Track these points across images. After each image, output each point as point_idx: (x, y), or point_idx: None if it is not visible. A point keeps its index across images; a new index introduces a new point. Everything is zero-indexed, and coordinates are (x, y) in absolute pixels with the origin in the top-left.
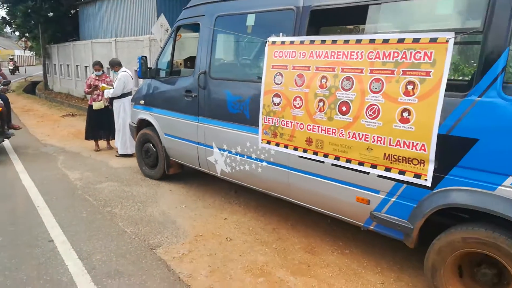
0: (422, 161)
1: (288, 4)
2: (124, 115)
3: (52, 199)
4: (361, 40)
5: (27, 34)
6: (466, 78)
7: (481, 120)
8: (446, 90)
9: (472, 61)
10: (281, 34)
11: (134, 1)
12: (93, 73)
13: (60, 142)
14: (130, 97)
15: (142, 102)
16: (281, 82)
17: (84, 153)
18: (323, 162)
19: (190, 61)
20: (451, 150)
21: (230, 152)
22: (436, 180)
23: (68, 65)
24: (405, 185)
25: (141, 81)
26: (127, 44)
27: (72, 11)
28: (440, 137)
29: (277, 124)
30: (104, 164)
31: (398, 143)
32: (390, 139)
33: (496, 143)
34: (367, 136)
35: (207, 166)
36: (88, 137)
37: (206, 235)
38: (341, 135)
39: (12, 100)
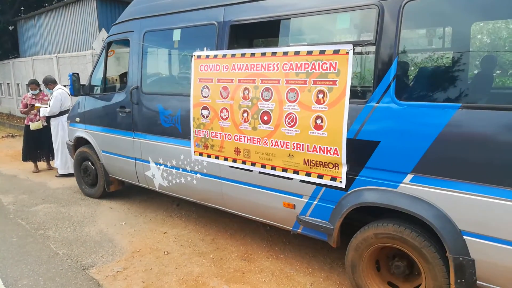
0: (336, 165)
1: (210, 19)
2: (63, 134)
3: None
4: (276, 52)
5: None
6: (367, 86)
7: (380, 124)
8: (350, 98)
9: (370, 70)
10: (205, 48)
11: (74, 16)
12: (29, 92)
13: None
14: (67, 115)
15: (77, 119)
16: (208, 95)
17: (21, 175)
18: (251, 170)
19: (123, 77)
20: (359, 152)
21: (166, 166)
22: (349, 181)
23: (8, 83)
24: (324, 188)
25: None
26: (69, 60)
27: (11, 27)
28: (349, 141)
29: (207, 136)
30: (42, 185)
31: (314, 149)
32: (308, 145)
33: (394, 144)
34: (287, 144)
35: (146, 181)
36: (25, 158)
37: (143, 250)
38: (265, 143)
39: None
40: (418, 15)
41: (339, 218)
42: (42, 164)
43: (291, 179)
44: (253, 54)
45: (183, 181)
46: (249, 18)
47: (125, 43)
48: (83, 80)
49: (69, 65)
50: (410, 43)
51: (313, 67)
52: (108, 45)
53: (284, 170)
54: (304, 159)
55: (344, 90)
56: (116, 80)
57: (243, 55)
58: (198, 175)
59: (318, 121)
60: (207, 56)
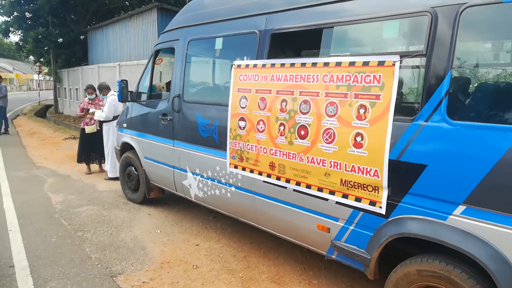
0: (376, 188)
1: (251, 28)
2: (113, 138)
3: (27, 223)
4: (317, 63)
5: (41, 59)
6: (414, 102)
7: (428, 145)
8: (395, 114)
9: (419, 85)
10: (245, 57)
11: (136, 27)
12: (86, 96)
13: (54, 164)
14: (116, 121)
15: (125, 125)
16: (246, 106)
17: (75, 176)
18: (285, 187)
19: (168, 85)
20: (403, 176)
21: (202, 176)
22: (390, 207)
23: (77, 88)
24: (361, 213)
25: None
26: (130, 68)
27: (82, 37)
28: (391, 162)
29: (243, 148)
30: (91, 187)
31: (353, 169)
32: (346, 164)
33: (444, 169)
34: (324, 161)
35: (183, 190)
36: (79, 160)
37: (173, 262)
38: (300, 159)
39: (21, 123)
40: (478, 24)
41: (378, 248)
42: (94, 166)
43: (327, 200)
44: (292, 64)
45: (218, 193)
46: (291, 27)
47: (172, 51)
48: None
49: (129, 73)
50: (467, 56)
51: (355, 79)
52: (156, 53)
53: (320, 189)
54: (341, 179)
55: (388, 106)
56: (162, 88)
57: (282, 65)
58: (233, 188)
59: (358, 139)
60: (247, 66)
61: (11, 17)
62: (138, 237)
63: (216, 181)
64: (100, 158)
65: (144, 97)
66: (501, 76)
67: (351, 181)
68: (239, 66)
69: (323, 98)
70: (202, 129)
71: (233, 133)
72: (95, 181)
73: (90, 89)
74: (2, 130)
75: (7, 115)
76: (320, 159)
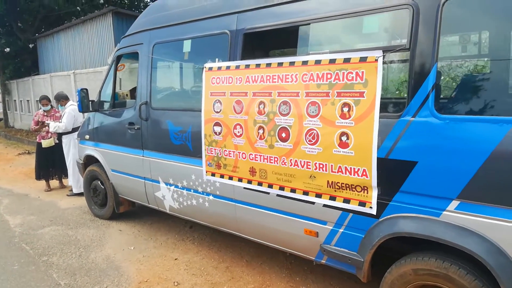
0: (365, 188)
1: (222, 28)
2: (74, 151)
3: None
4: (295, 62)
5: None
6: (400, 98)
7: (417, 141)
8: (381, 111)
9: (404, 80)
10: (217, 59)
11: (91, 32)
12: (40, 108)
13: (9, 183)
14: (77, 133)
15: (87, 137)
16: (221, 110)
17: (33, 194)
18: (268, 193)
19: (133, 92)
20: (392, 174)
21: (176, 186)
22: (381, 207)
23: (28, 100)
24: (351, 214)
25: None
26: (86, 76)
27: (31, 45)
28: (380, 161)
29: (220, 154)
30: (53, 205)
31: (340, 169)
32: (332, 165)
33: (435, 165)
34: (309, 163)
35: (156, 203)
36: (38, 177)
37: (151, 280)
38: (283, 163)
39: None
40: (461, 15)
41: (370, 249)
42: (54, 183)
43: (313, 203)
44: (269, 65)
45: (195, 203)
46: (264, 26)
47: (135, 56)
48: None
49: (85, 81)
50: (452, 48)
51: (337, 77)
52: (118, 58)
53: (305, 193)
54: (328, 181)
55: (373, 103)
56: (126, 95)
57: (258, 65)
58: (211, 197)
59: (344, 138)
60: (219, 68)
61: None
62: (111, 256)
63: (192, 190)
64: (60, 173)
65: (107, 106)
66: (487, 67)
67: (339, 182)
68: (210, 68)
69: (303, 98)
70: (174, 136)
71: (208, 139)
72: (56, 198)
73: (44, 99)
74: None
75: None
76: (304, 161)
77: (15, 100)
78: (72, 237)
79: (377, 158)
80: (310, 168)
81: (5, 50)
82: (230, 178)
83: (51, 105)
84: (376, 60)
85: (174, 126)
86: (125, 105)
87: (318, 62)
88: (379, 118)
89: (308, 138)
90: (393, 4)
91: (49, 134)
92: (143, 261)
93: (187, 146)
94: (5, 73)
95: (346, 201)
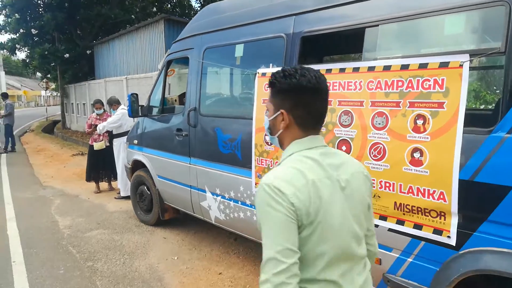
0: (443, 214)
1: (277, 32)
2: (124, 155)
3: (32, 253)
4: (359, 68)
5: (48, 75)
6: (489, 110)
7: None
8: (465, 125)
9: (495, 88)
10: (271, 65)
11: (143, 39)
12: (94, 112)
13: (62, 183)
14: (126, 137)
15: (135, 141)
16: None
17: (83, 195)
18: None
19: (182, 98)
20: (479, 200)
21: (223, 197)
22: (462, 237)
23: (84, 103)
24: (423, 243)
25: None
26: (137, 81)
27: (88, 51)
28: (463, 183)
29: (271, 166)
30: (101, 208)
31: (410, 190)
32: (401, 185)
33: None
34: (373, 181)
35: (201, 212)
36: (89, 178)
37: None
38: None
39: (28, 140)
40: None
41: (447, 286)
42: (104, 185)
43: (376, 226)
44: (329, 71)
45: (242, 216)
46: (325, 28)
47: (185, 61)
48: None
49: (136, 86)
50: None
51: (410, 85)
52: (168, 64)
53: None
54: (395, 203)
55: (455, 115)
56: (175, 101)
57: None
58: None
59: (416, 155)
60: None
61: (17, 34)
62: (154, 266)
63: (240, 202)
64: (110, 176)
65: (156, 111)
66: None
67: (408, 205)
68: (264, 74)
69: (368, 108)
70: (222, 145)
71: (259, 149)
72: (105, 200)
73: (98, 103)
74: (9, 148)
75: (14, 132)
76: None
77: (72, 103)
78: (117, 242)
79: (459, 180)
80: (374, 187)
81: (65, 56)
82: None
83: (104, 109)
84: (461, 66)
85: (223, 134)
86: (174, 111)
87: (387, 68)
88: (463, 133)
89: (372, 153)
90: (485, 1)
91: (101, 137)
92: (187, 274)
93: (236, 155)
94: (64, 77)
95: (418, 227)
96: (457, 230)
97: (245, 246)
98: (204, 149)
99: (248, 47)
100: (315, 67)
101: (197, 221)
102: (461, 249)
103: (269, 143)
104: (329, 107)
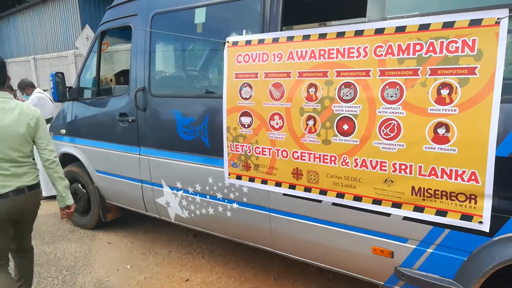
0: (473, 197)
1: None
2: None
3: None
4: (363, 30)
5: None
6: None
7: None
8: (503, 94)
9: None
10: (244, 31)
11: (53, 13)
12: None
13: None
14: (49, 125)
15: (63, 131)
16: (251, 96)
17: None
18: (319, 201)
19: (124, 76)
20: None
21: (186, 191)
22: (496, 222)
23: None
24: (447, 231)
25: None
26: (49, 62)
27: None
28: (500, 161)
29: (249, 152)
30: None
31: (433, 172)
32: (421, 166)
33: None
34: (384, 164)
35: (157, 210)
36: None
37: None
38: (344, 163)
39: None
40: None
41: (479, 278)
42: None
43: (388, 215)
44: (323, 35)
45: (212, 212)
46: None
47: (125, 32)
48: (68, 83)
49: (48, 67)
50: None
51: (431, 48)
52: (102, 35)
53: (376, 201)
54: (413, 187)
55: (491, 82)
56: (111, 81)
57: (306, 37)
58: (235, 205)
59: (441, 131)
60: (248, 42)
61: None
62: (103, 280)
63: (208, 197)
64: None
65: (88, 93)
66: None
67: (430, 189)
68: (235, 43)
69: (376, 78)
70: (183, 130)
71: (232, 134)
72: None
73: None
74: None
75: None
76: (377, 161)
77: None
78: (50, 255)
79: (496, 157)
80: (385, 170)
81: None
82: (264, 182)
83: (15, 94)
84: (498, 23)
85: (183, 117)
86: (114, 92)
87: (401, 29)
88: (501, 102)
89: (383, 131)
90: None
91: None
92: (147, 285)
93: (202, 142)
94: None
95: (441, 213)
96: (491, 214)
97: (207, 243)
98: (158, 137)
99: (213, 11)
100: (304, 32)
101: (144, 218)
102: (495, 235)
103: (246, 126)
104: (324, 79)
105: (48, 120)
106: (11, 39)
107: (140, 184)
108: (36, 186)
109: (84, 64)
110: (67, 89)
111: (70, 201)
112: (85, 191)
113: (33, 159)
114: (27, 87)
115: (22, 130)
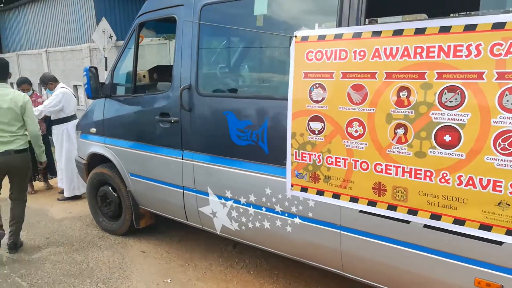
0: None
1: None
2: (69, 145)
3: None
4: (476, 25)
5: None
6: None
7: None
8: None
9: None
10: (316, 25)
11: (66, 5)
12: None
13: None
14: (75, 122)
15: (93, 130)
16: (323, 99)
17: None
18: (407, 221)
19: (158, 73)
20: None
21: (237, 202)
22: None
23: None
24: None
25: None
26: (62, 55)
27: None
28: None
29: (319, 162)
30: (44, 215)
31: None
32: None
33: None
34: (498, 184)
35: (199, 220)
36: None
37: None
38: (443, 180)
39: None
40: None
41: None
42: (38, 183)
43: (500, 243)
44: (421, 31)
45: (268, 227)
46: None
47: (168, 24)
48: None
49: (61, 61)
50: None
51: None
52: (140, 27)
53: (485, 227)
54: None
55: None
56: (144, 77)
57: (398, 32)
58: (297, 220)
59: None
60: (322, 37)
61: None
62: None
63: (264, 209)
64: (45, 172)
65: (123, 90)
66: None
67: None
68: (305, 38)
69: (493, 81)
70: (236, 134)
71: (298, 140)
72: (46, 204)
73: (24, 84)
74: None
75: None
76: (489, 179)
77: None
78: (82, 264)
79: None
80: (500, 191)
81: None
82: (336, 196)
83: (33, 89)
84: None
85: (238, 120)
86: (155, 89)
87: None
88: None
89: (501, 145)
90: None
91: None
92: None
93: (260, 148)
94: None
95: None
96: None
97: (250, 256)
98: (205, 140)
99: (276, 1)
100: (394, 26)
101: (177, 225)
102: None
103: (317, 132)
104: (421, 81)
105: (71, 117)
106: (21, 31)
107: (182, 190)
108: (22, 151)
109: (119, 59)
110: (100, 85)
111: (43, 159)
112: (116, 195)
113: (25, 132)
114: (50, 82)
115: (16, 110)
